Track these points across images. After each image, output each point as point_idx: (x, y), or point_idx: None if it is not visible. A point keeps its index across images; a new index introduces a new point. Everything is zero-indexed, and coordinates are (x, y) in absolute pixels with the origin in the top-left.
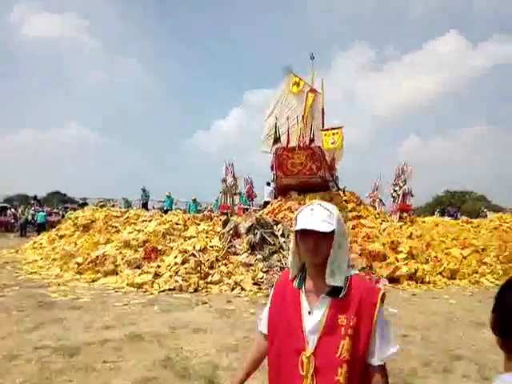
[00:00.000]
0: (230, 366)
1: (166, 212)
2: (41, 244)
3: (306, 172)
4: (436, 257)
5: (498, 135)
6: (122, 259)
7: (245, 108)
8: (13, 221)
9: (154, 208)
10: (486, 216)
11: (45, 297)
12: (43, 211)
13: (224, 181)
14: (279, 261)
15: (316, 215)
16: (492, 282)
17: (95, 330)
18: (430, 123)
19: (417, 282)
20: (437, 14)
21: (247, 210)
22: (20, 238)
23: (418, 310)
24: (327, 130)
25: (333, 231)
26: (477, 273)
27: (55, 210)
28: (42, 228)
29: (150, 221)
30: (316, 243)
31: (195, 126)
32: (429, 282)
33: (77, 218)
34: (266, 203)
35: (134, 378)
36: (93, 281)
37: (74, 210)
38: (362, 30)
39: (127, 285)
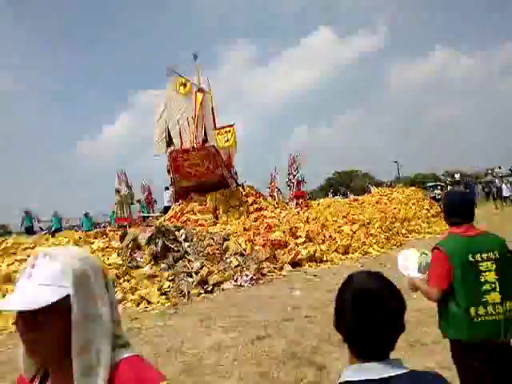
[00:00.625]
0: None
1: (53, 233)
2: None
3: (204, 172)
4: (331, 236)
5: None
6: (4, 296)
7: (133, 110)
8: None
9: (41, 230)
10: (371, 191)
11: None
12: None
13: (118, 191)
14: (185, 266)
15: (35, 276)
16: (378, 251)
17: None
18: (315, 112)
19: (317, 262)
20: (308, 11)
21: (148, 218)
22: None
23: (317, 288)
24: (220, 128)
25: (65, 299)
26: (365, 244)
27: None
28: None
29: (33, 247)
30: (28, 328)
31: (81, 134)
32: (327, 261)
33: None
34: (167, 208)
35: None
36: None
37: None
38: (242, 27)
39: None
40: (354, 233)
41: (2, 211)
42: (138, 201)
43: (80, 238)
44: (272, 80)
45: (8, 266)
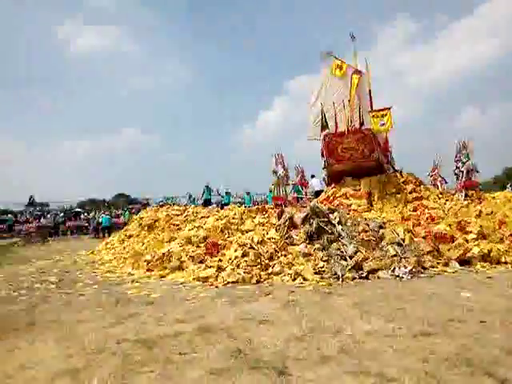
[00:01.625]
0: (298, 356)
1: (222, 206)
2: (112, 244)
3: (359, 156)
4: (511, 235)
5: None
6: (186, 255)
7: (287, 97)
8: (86, 224)
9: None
10: None
11: (121, 294)
12: (107, 215)
13: (275, 172)
14: (338, 249)
15: None
16: None
17: (168, 323)
18: (488, 93)
19: (491, 263)
20: None
21: (301, 199)
22: (93, 239)
23: (493, 293)
24: (376, 111)
25: None
26: None
27: (120, 212)
28: (107, 230)
29: (207, 217)
30: None
31: (241, 119)
32: (506, 263)
33: (141, 218)
34: (318, 192)
35: (209, 368)
36: (162, 277)
37: (135, 210)
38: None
39: (193, 279)
40: None
41: (186, 184)
42: (293, 183)
43: (244, 212)
44: (436, 57)
45: (189, 230)
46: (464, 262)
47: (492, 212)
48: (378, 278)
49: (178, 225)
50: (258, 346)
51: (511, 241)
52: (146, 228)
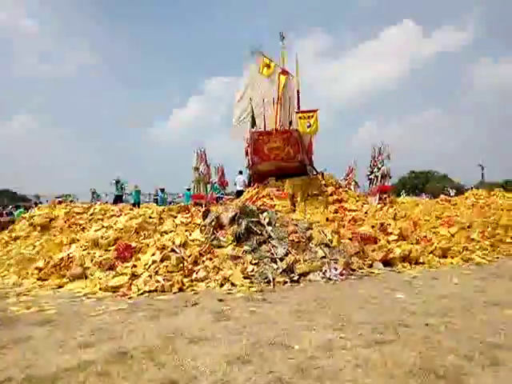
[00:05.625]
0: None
1: (133, 206)
2: None
3: (284, 156)
4: (425, 236)
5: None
6: (91, 260)
7: (203, 97)
8: None
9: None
10: (450, 195)
11: (3, 311)
12: None
13: (196, 169)
14: (269, 251)
15: None
16: (483, 258)
17: (71, 349)
18: (385, 109)
19: (410, 264)
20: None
21: (221, 198)
22: None
23: (424, 293)
24: (302, 112)
25: None
26: (467, 250)
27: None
28: None
29: (119, 216)
30: None
31: (153, 115)
32: (423, 263)
33: (32, 216)
34: (240, 192)
35: None
36: (58, 287)
37: (25, 208)
38: (316, 17)
39: (100, 289)
40: (453, 236)
41: (86, 182)
42: (212, 182)
43: (163, 210)
44: (344, 74)
45: (95, 231)
46: (387, 262)
47: (405, 215)
48: (310, 280)
49: (81, 225)
50: (194, 373)
51: (426, 242)
52: (38, 228)
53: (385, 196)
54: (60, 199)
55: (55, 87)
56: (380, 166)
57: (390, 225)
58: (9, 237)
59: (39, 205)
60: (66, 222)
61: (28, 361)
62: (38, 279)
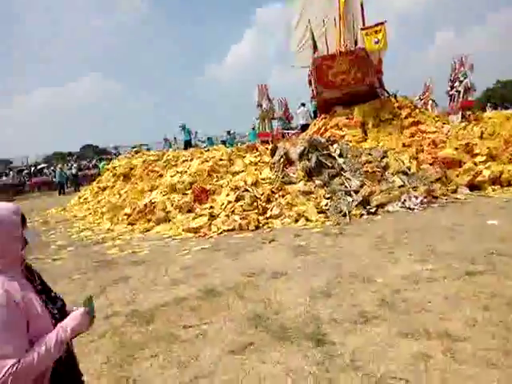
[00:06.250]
0: (333, 316)
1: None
2: (86, 199)
3: (351, 81)
4: None
5: None
6: (172, 205)
7: (256, 28)
8: (54, 180)
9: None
10: None
11: (102, 255)
12: (60, 168)
13: (259, 105)
14: (342, 184)
15: None
16: None
17: (164, 287)
18: (463, 13)
19: (502, 186)
20: None
21: (287, 133)
22: (64, 195)
23: None
24: (368, 28)
25: None
26: None
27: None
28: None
29: (191, 160)
30: None
31: (208, 55)
32: None
33: (115, 167)
34: (304, 126)
35: (226, 345)
36: (146, 230)
37: (108, 160)
38: None
39: (183, 231)
40: None
41: (154, 130)
42: (278, 117)
43: (232, 151)
44: None
45: (171, 176)
46: (474, 186)
47: (494, 132)
48: (388, 211)
49: (157, 171)
50: (278, 307)
51: None
52: (121, 178)
53: (468, 113)
54: (136, 149)
55: (117, 40)
56: (462, 78)
57: (476, 145)
58: (98, 187)
59: (119, 156)
60: (144, 170)
61: (129, 298)
62: (128, 224)
